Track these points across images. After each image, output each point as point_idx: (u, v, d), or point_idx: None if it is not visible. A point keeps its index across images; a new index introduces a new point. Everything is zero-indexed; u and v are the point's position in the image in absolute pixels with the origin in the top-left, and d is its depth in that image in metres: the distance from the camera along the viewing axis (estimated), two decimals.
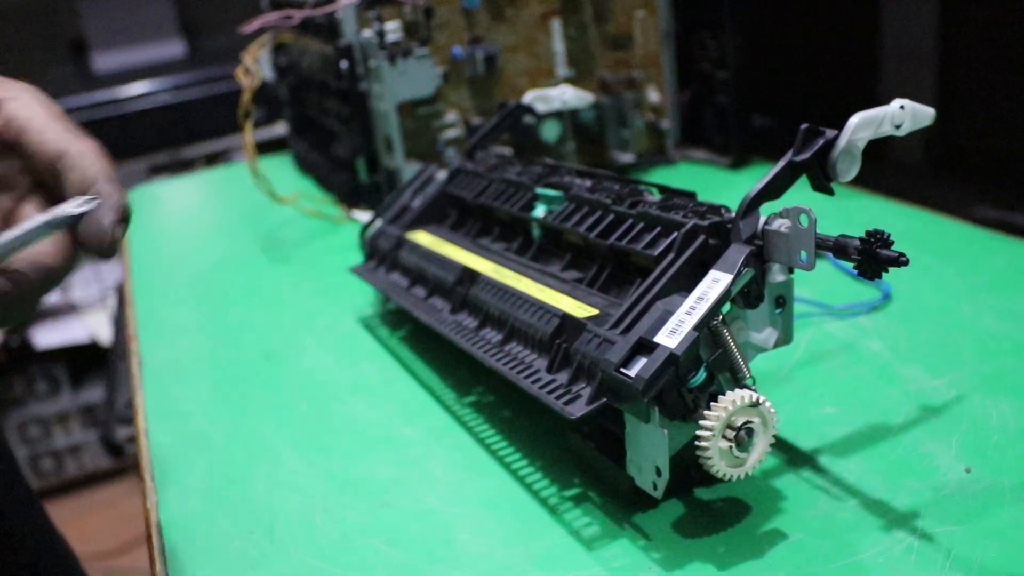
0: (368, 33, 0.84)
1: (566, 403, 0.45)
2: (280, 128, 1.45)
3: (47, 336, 2.16)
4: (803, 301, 0.66)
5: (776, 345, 0.48)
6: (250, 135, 0.87)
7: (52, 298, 2.13)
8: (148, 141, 2.11)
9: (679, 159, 0.99)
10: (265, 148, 1.81)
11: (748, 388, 0.44)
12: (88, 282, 2.21)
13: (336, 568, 0.46)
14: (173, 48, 2.33)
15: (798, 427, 0.53)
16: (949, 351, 0.59)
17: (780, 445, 0.51)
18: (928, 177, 0.94)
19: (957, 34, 0.88)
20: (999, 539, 0.42)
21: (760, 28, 0.94)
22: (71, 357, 2.22)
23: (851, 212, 0.82)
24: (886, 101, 0.93)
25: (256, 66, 0.88)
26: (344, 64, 0.86)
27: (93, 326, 2.18)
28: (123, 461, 2.21)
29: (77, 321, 2.20)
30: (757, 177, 0.95)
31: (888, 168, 0.94)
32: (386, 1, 0.85)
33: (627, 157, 0.94)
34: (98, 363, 2.25)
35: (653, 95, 0.96)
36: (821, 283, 0.70)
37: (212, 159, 2.26)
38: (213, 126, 2.13)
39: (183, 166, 2.23)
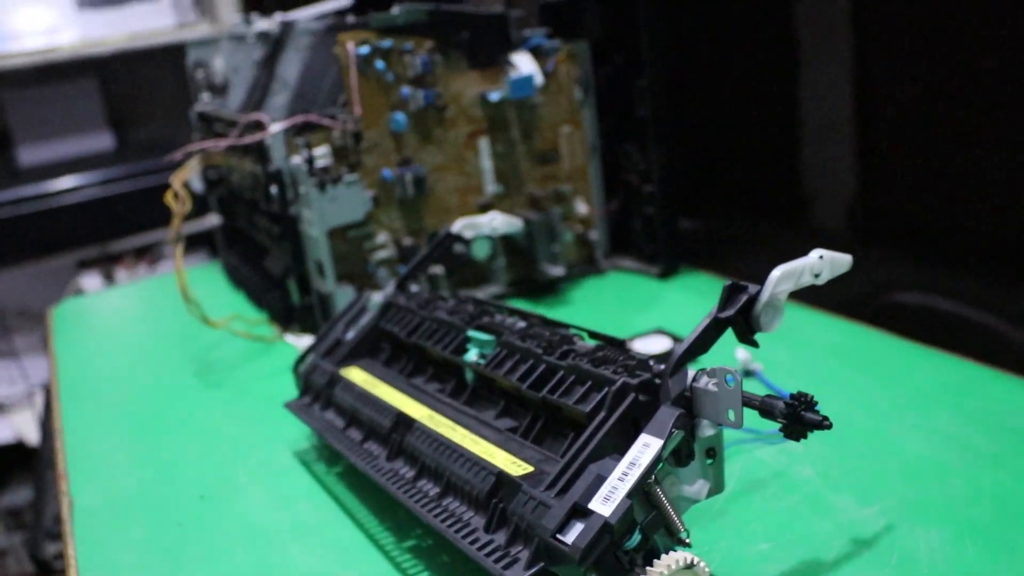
0: (297, 159, 0.85)
1: (504, 567, 0.45)
2: (209, 220, 1.44)
3: None
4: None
5: (709, 495, 0.49)
6: (181, 261, 0.87)
7: None
8: (76, 235, 2.08)
9: (608, 268, 1.00)
10: (194, 241, 1.79)
11: (683, 545, 0.45)
12: (13, 380, 2.16)
13: None
14: (101, 141, 2.32)
15: (734, 566, 0.53)
16: (877, 477, 0.61)
17: None
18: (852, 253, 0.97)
19: (873, 116, 0.91)
20: None
21: (683, 135, 0.97)
22: None
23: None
24: (807, 191, 0.95)
25: (185, 192, 0.88)
26: (274, 189, 0.86)
27: (19, 425, 2.13)
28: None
29: (2, 420, 2.14)
30: (685, 286, 0.98)
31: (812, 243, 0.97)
32: (314, 127, 0.85)
33: (557, 270, 0.95)
34: (23, 464, 2.19)
35: (581, 207, 0.98)
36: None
37: (140, 253, 2.24)
38: (141, 220, 2.11)
39: (111, 260, 2.21)
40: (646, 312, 0.91)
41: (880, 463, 0.62)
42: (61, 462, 0.80)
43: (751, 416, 0.69)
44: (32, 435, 2.09)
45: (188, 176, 0.92)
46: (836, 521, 0.57)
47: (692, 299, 0.93)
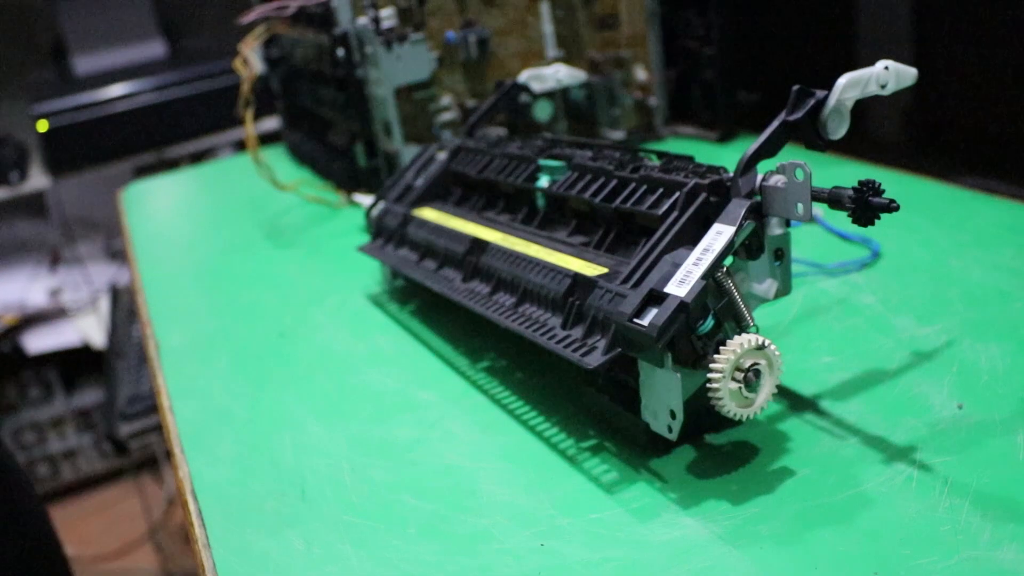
0: (363, 21, 0.86)
1: (583, 355, 0.48)
2: (270, 123, 1.47)
3: (38, 341, 2.16)
4: (797, 261, 0.69)
5: (776, 295, 0.51)
6: (251, 125, 0.90)
7: (42, 303, 2.14)
8: (132, 142, 2.11)
9: (668, 135, 1.01)
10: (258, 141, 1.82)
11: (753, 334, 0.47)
12: (78, 286, 2.22)
13: (369, 521, 0.49)
14: (154, 49, 2.34)
15: (798, 376, 0.56)
16: (938, 302, 0.62)
17: (782, 392, 0.54)
18: (908, 152, 0.97)
19: (933, 12, 0.91)
20: (992, 467, 0.45)
21: (743, 5, 0.97)
22: (63, 361, 2.23)
23: (838, 178, 0.84)
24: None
25: (253, 57, 0.90)
26: (341, 52, 0.88)
27: (84, 329, 2.19)
28: (119, 463, 2.23)
29: (68, 325, 2.20)
30: (744, 149, 0.98)
31: (868, 146, 0.97)
32: None
33: (617, 134, 0.96)
34: (90, 367, 2.26)
35: (640, 73, 0.99)
36: (814, 245, 0.73)
37: (197, 158, 2.27)
38: (196, 125, 2.14)
39: (168, 165, 2.25)
40: None
41: (942, 291, 0.64)
42: (144, 312, 0.83)
43: (813, 249, 0.71)
44: (97, 338, 2.16)
45: (253, 46, 0.94)
46: (897, 338, 0.59)
47: None
